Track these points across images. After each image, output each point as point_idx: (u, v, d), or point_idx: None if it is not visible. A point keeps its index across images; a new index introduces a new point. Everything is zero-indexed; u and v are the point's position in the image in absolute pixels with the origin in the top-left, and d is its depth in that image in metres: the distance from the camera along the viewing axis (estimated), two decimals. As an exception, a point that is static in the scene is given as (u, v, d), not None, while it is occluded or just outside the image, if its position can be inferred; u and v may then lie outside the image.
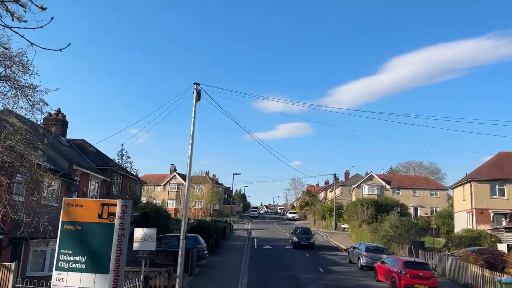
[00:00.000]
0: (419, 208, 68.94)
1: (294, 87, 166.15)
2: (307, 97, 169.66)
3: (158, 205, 42.92)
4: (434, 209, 68.79)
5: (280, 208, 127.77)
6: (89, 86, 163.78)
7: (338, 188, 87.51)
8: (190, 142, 17.62)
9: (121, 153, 27.36)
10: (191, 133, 17.64)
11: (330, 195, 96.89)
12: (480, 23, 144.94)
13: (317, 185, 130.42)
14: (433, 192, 70.41)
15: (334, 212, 64.80)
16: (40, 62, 67.35)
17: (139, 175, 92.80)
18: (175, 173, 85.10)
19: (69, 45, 5.58)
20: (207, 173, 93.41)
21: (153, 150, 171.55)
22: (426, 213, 67.61)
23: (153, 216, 37.17)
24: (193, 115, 17.77)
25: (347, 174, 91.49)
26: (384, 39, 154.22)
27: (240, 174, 68.11)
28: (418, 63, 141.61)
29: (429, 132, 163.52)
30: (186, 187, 17.92)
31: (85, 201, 9.34)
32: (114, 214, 8.64)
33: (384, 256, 25.21)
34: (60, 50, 5.52)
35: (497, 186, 38.80)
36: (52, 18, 4.91)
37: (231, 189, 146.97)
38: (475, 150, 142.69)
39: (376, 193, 69.82)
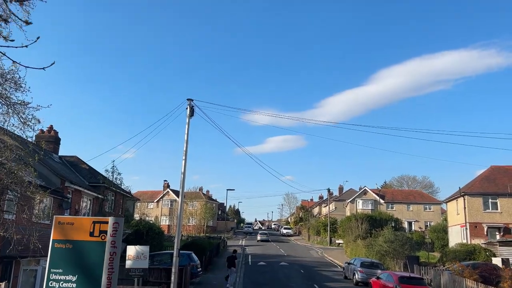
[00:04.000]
0: (413, 222, 68.93)
1: (282, 99, 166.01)
2: (295, 109, 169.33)
3: (151, 222, 42.48)
4: (428, 223, 68.77)
5: (274, 224, 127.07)
6: (80, 103, 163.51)
7: (332, 203, 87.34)
8: (183, 158, 17.55)
9: (112, 169, 27.22)
10: (184, 149, 17.59)
11: (325, 210, 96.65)
12: (465, 33, 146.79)
13: (311, 200, 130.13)
14: (427, 206, 70.50)
15: (328, 228, 64.53)
16: (31, 79, 67.29)
17: (132, 192, 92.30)
18: (168, 190, 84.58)
19: (53, 63, 5.56)
20: (200, 189, 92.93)
21: (145, 165, 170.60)
22: (420, 228, 67.62)
23: (146, 233, 36.83)
24: (186, 131, 17.75)
25: (341, 188, 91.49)
26: (371, 51, 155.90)
27: (234, 190, 67.32)
28: (406, 74, 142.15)
29: (420, 144, 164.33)
30: (179, 203, 17.80)
31: (76, 219, 9.20)
32: (105, 232, 8.51)
33: (379, 271, 25.04)
34: (43, 68, 5.49)
35: (490, 200, 38.94)
36: (38, 38, 4.90)
37: (224, 205, 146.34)
38: (467, 162, 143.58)
39: (370, 208, 69.75)
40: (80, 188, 24.51)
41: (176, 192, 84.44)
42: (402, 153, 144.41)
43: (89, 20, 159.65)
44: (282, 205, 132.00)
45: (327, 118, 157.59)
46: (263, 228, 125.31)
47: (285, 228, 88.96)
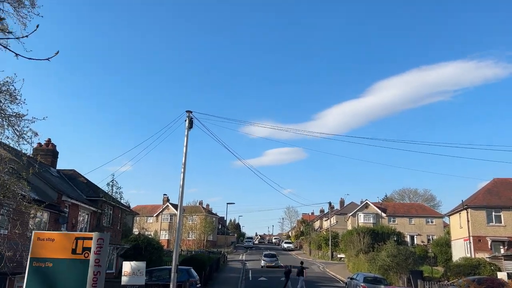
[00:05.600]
0: (415, 236, 68.19)
1: (280, 111, 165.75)
2: (293, 121, 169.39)
3: (150, 236, 41.89)
4: (431, 237, 68.02)
5: (275, 238, 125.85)
6: (77, 115, 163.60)
7: (334, 217, 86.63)
8: (182, 170, 17.25)
9: (111, 183, 26.83)
10: (183, 161, 17.30)
11: (326, 224, 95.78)
12: (462, 44, 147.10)
13: (312, 213, 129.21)
14: (429, 219, 69.83)
15: (330, 242, 63.81)
16: (27, 91, 67.37)
17: (131, 206, 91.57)
18: (168, 204, 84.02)
19: (57, 53, 5.26)
20: (200, 203, 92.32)
21: (144, 179, 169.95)
22: (422, 241, 66.83)
23: (145, 248, 36.29)
24: (185, 144, 17.47)
25: (342, 202, 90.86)
26: (370, 63, 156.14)
27: (234, 203, 66.43)
28: (404, 86, 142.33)
29: (420, 156, 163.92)
30: (178, 217, 17.43)
31: (58, 235, 8.70)
32: (89, 249, 8.03)
33: (382, 287, 24.52)
34: (48, 59, 5.21)
35: (493, 213, 38.46)
36: (37, 26, 4.64)
37: (225, 219, 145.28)
38: (467, 176, 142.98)
39: (372, 221, 69.10)
40: (78, 202, 24.13)
41: (176, 206, 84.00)
42: (400, 167, 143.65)
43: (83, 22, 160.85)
44: (282, 218, 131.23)
45: (326, 130, 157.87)
46: (264, 242, 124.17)
47: (286, 243, 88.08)
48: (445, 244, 47.81)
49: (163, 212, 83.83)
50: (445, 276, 29.97)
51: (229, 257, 60.70)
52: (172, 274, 16.19)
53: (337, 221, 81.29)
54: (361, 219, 70.57)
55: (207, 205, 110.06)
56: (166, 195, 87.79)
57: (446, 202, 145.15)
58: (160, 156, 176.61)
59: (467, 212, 38.78)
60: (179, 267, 24.75)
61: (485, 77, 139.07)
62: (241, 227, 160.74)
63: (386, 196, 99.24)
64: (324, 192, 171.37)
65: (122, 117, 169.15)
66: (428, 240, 67.19)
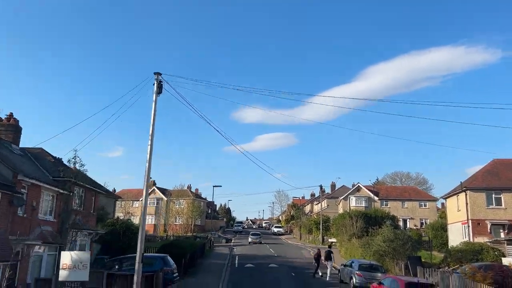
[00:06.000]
0: (408, 220, 66.54)
1: (271, 96, 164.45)
2: (284, 106, 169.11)
3: (129, 221, 39.30)
4: (424, 221, 66.46)
5: (265, 222, 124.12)
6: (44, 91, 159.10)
7: (324, 201, 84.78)
8: (149, 142, 14.58)
9: (73, 160, 23.66)
10: (151, 132, 14.64)
11: (317, 208, 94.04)
12: (452, 30, 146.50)
13: (303, 197, 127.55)
14: (422, 203, 68.14)
15: (321, 226, 61.86)
16: None
17: (117, 190, 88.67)
18: (154, 188, 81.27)
19: None
20: (189, 187, 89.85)
21: (131, 165, 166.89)
22: (415, 225, 65.23)
23: (123, 233, 33.79)
24: (152, 111, 14.78)
25: (333, 186, 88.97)
26: (359, 48, 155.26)
27: (220, 186, 64.17)
28: (394, 71, 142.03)
29: (411, 142, 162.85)
30: (144, 196, 14.83)
31: None
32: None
33: (380, 274, 22.30)
34: None
35: (493, 195, 36.45)
36: None
37: (212, 201, 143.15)
38: (459, 160, 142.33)
39: (364, 205, 67.25)
40: (39, 183, 21.35)
41: (162, 190, 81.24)
42: (390, 150, 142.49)
43: None
44: (273, 203, 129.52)
45: (316, 115, 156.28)
46: (254, 226, 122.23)
47: (276, 227, 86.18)
48: (440, 228, 45.96)
49: (149, 196, 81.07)
50: (445, 262, 27.92)
51: (216, 242, 58.55)
52: (137, 265, 13.67)
53: (328, 205, 79.46)
54: (353, 202, 68.67)
55: (196, 190, 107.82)
56: (151, 178, 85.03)
57: (438, 186, 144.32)
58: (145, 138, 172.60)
59: (466, 194, 36.73)
60: (154, 255, 22.30)
61: (474, 63, 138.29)
62: (231, 211, 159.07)
63: (377, 179, 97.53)
64: (315, 176, 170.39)
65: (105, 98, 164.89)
66: (421, 224, 65.62)
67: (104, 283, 17.41)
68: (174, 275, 20.63)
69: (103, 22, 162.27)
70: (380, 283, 18.24)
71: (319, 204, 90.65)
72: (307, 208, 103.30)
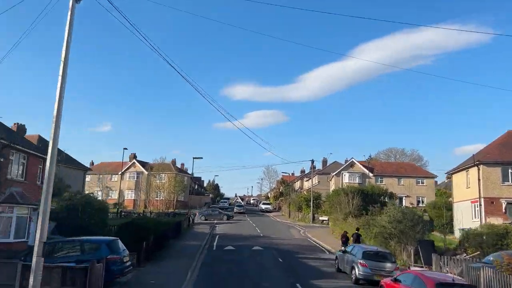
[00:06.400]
0: (404, 197, 62.53)
1: (261, 73, 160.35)
2: (274, 83, 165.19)
3: (91, 194, 34.20)
4: (421, 199, 62.68)
5: (253, 199, 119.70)
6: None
7: (316, 177, 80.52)
8: (61, 72, 9.38)
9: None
10: (63, 55, 9.39)
11: (307, 185, 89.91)
12: (445, 8, 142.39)
13: (293, 174, 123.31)
14: (420, 180, 64.17)
15: (311, 203, 57.59)
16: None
17: (95, 163, 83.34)
18: (134, 161, 76.08)
19: None
20: (173, 162, 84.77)
21: (121, 141, 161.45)
22: (411, 203, 61.22)
23: (83, 210, 28.78)
24: (67, 23, 9.51)
25: (324, 161, 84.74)
26: (351, 25, 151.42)
27: (201, 158, 57.92)
28: (386, 49, 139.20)
29: (405, 119, 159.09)
30: (48, 160, 9.73)
31: None
32: None
33: (389, 265, 17.70)
34: None
35: (510, 170, 32.10)
36: None
37: (202, 179, 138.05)
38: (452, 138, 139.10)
39: (357, 182, 63.08)
40: None
41: (143, 163, 76.06)
42: (381, 122, 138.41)
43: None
44: (261, 179, 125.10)
45: (307, 93, 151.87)
46: (242, 203, 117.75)
47: (263, 204, 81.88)
48: (443, 207, 41.75)
49: (129, 170, 75.94)
50: (461, 247, 23.50)
51: (198, 219, 54.02)
52: (34, 258, 8.72)
53: (319, 181, 75.28)
54: (346, 179, 64.40)
55: (182, 165, 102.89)
56: (128, 150, 79.75)
57: (432, 163, 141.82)
58: (137, 112, 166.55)
59: (479, 169, 32.30)
60: (98, 238, 17.40)
61: (467, 42, 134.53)
62: (219, 187, 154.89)
63: (370, 156, 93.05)
64: (305, 154, 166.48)
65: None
66: (418, 202, 61.82)
67: (17, 278, 12.51)
68: (126, 264, 15.77)
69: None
70: (395, 280, 13.59)
71: (310, 181, 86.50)
72: (297, 184, 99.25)
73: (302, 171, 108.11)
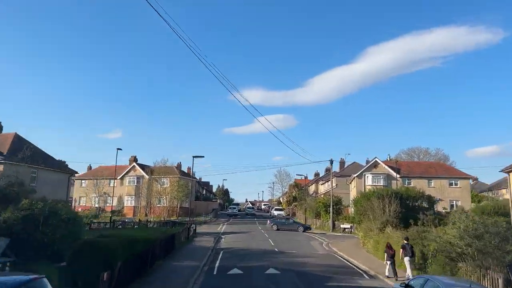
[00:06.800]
0: (436, 201, 55.01)
1: (269, 78, 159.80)
2: (284, 87, 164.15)
3: (60, 204, 27.49)
4: (455, 203, 55.26)
5: (264, 204, 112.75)
6: None
7: (333, 179, 73.54)
8: None
9: None
10: None
11: (322, 188, 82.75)
12: (454, 9, 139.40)
13: (306, 177, 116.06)
14: (453, 181, 56.81)
15: (331, 209, 50.65)
16: None
17: (93, 167, 77.12)
18: (134, 164, 69.71)
19: None
20: (178, 165, 78.40)
21: (130, 148, 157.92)
22: (444, 208, 53.86)
23: (44, 221, 22.25)
24: None
25: (342, 163, 77.51)
26: (359, 28, 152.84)
27: (203, 156, 49.79)
28: (394, 52, 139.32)
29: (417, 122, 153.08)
30: None
31: None
32: None
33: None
34: None
35: None
36: None
37: (210, 183, 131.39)
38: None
39: (382, 184, 55.97)
40: None
41: (144, 167, 69.65)
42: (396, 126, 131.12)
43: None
44: (273, 183, 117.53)
45: (316, 96, 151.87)
46: (250, 204, 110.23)
47: (276, 209, 74.83)
48: (493, 213, 34.51)
49: (128, 174, 69.58)
50: None
51: (204, 228, 47.43)
52: None
53: (337, 184, 68.15)
54: (369, 181, 57.31)
55: (189, 169, 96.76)
56: (119, 149, 73.42)
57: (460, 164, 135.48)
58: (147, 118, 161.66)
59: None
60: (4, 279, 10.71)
61: (477, 43, 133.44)
62: (229, 193, 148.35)
63: (389, 156, 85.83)
64: (317, 157, 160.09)
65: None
66: (452, 206, 54.46)
67: None
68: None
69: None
70: None
71: (326, 184, 79.34)
72: (311, 188, 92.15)
73: (316, 174, 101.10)
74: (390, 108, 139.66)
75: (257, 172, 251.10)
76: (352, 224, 49.30)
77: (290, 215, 76.31)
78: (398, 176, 56.80)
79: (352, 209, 58.66)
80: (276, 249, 29.03)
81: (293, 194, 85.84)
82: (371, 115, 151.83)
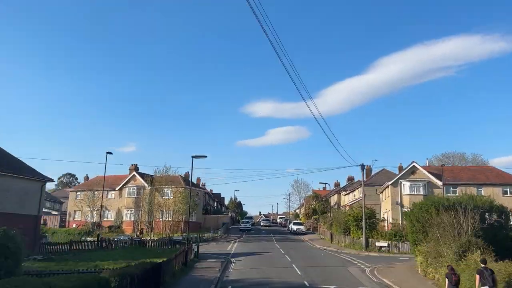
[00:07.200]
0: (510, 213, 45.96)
1: (280, 90, 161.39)
2: (295, 99, 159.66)
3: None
4: (510, 213, 46.03)
5: (280, 217, 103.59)
6: None
7: (359, 189, 64.77)
8: None
9: None
10: None
11: (346, 199, 73.89)
12: (467, 18, 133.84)
13: (324, 188, 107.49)
14: (508, 189, 47.73)
15: (363, 223, 42.05)
16: None
17: (90, 177, 69.66)
18: (134, 173, 61.96)
19: None
20: (186, 175, 70.53)
21: (145, 158, 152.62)
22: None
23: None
24: None
25: (368, 170, 68.63)
26: (370, 39, 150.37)
27: (205, 156, 39.33)
28: (407, 62, 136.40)
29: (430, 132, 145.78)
30: None
31: None
32: None
33: None
34: None
35: None
36: None
37: (222, 195, 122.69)
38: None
39: (422, 193, 47.24)
40: None
41: (145, 176, 61.72)
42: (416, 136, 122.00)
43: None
44: (289, 194, 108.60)
45: (327, 107, 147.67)
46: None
47: (295, 224, 65.93)
48: None
49: (128, 184, 61.81)
50: None
51: (211, 247, 39.42)
52: None
53: (365, 194, 59.46)
54: (406, 189, 48.53)
55: (198, 179, 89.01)
56: (110, 153, 65.85)
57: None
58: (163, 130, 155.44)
59: None
60: None
61: (491, 51, 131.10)
62: (242, 205, 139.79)
63: (427, 161, 76.82)
64: (332, 171, 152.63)
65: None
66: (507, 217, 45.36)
67: None
68: None
69: None
70: None
71: (350, 194, 70.55)
72: (333, 199, 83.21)
73: (337, 184, 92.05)
74: (406, 117, 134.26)
75: (271, 185, 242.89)
76: (389, 242, 40.73)
77: (311, 229, 67.49)
78: (439, 183, 47.97)
79: (387, 223, 49.88)
80: (306, 283, 20.59)
81: (312, 206, 77.18)
82: (383, 126, 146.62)
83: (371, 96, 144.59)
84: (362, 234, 42.30)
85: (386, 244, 40.62)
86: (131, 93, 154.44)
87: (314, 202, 79.02)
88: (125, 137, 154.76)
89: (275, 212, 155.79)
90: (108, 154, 38.52)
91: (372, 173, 65.97)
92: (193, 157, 26.29)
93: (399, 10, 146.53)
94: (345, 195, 74.86)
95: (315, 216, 75.29)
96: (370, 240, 41.85)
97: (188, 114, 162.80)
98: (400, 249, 40.02)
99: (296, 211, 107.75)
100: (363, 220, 42.30)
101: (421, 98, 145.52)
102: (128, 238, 44.98)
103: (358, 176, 71.15)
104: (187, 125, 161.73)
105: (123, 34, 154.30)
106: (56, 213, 73.60)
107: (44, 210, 79.39)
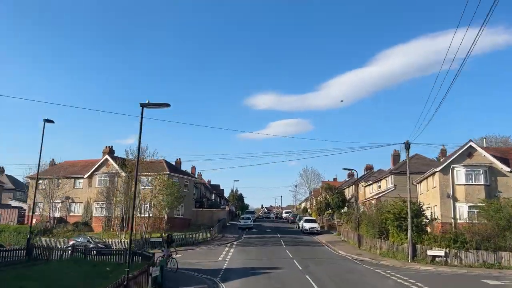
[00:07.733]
0: None
1: (282, 82, 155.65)
2: (297, 91, 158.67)
3: None
4: None
5: (286, 212, 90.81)
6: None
7: (387, 178, 52.82)
8: None
9: None
10: None
11: (368, 191, 61.68)
12: (471, 10, 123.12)
13: (335, 179, 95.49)
14: None
15: (409, 222, 29.91)
16: None
17: (56, 162, 57.79)
18: (107, 157, 49.54)
19: None
20: (178, 161, 58.68)
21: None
22: None
23: None
24: None
25: (395, 156, 56.60)
26: (373, 31, 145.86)
27: (168, 105, 26.82)
28: (409, 55, 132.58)
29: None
30: None
31: None
32: None
33: None
34: None
35: None
36: None
37: (221, 187, 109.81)
38: None
39: (482, 182, 35.17)
40: None
41: (120, 160, 49.31)
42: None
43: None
44: (296, 186, 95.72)
45: (329, 100, 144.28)
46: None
47: (307, 221, 53.39)
48: None
49: (99, 171, 49.47)
50: None
51: (198, 254, 27.46)
52: None
53: (395, 185, 47.37)
54: (461, 177, 36.09)
55: (193, 168, 77.26)
56: (109, 146, 53.70)
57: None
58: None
59: None
60: None
61: (495, 44, 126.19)
62: (243, 198, 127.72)
63: (484, 141, 64.54)
64: (335, 164, 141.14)
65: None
66: None
67: None
68: None
69: None
70: None
71: (374, 185, 58.32)
72: (347, 192, 71.04)
73: (351, 175, 79.46)
74: (405, 110, 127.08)
75: (275, 177, 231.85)
76: (446, 250, 28.69)
77: (326, 228, 55.33)
78: (507, 169, 35.65)
79: (435, 222, 37.56)
80: None
81: (326, 199, 64.91)
82: (386, 118, 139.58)
83: (374, 89, 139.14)
84: (407, 238, 30.23)
85: (443, 253, 28.60)
86: (131, 94, 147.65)
87: (327, 195, 66.69)
88: (128, 131, 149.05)
89: (278, 205, 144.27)
90: (46, 122, 26.08)
91: (401, 160, 53.88)
92: (142, 105, 14.19)
93: (402, 1, 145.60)
94: (365, 186, 62.62)
95: (328, 211, 63.27)
96: (418, 246, 29.84)
97: (188, 106, 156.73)
98: (463, 261, 28.11)
99: (305, 204, 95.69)
100: (409, 219, 30.19)
101: (423, 91, 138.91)
102: (88, 241, 33.11)
103: (378, 164, 59.70)
104: (188, 119, 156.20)
105: (123, 35, 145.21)
106: (24, 205, 61.47)
107: (11, 202, 67.88)
